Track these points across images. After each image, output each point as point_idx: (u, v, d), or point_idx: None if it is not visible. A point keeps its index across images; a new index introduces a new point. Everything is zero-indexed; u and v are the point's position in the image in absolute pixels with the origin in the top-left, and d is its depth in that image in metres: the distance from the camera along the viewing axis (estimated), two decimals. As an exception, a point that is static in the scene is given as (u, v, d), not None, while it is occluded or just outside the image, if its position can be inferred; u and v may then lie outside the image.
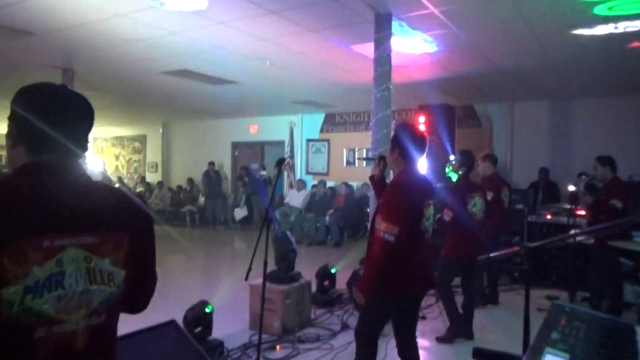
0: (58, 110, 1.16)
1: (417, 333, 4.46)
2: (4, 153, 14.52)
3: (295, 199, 10.78)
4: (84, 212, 1.13)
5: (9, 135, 1.17)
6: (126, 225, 1.21)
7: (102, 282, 1.14)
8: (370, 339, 2.68)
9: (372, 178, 3.09)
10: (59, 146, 1.15)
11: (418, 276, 2.60)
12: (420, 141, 2.67)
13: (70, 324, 1.09)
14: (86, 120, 1.22)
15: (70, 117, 1.18)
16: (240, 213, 12.07)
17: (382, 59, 4.43)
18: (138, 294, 1.32)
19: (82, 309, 1.11)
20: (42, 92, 1.18)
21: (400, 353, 2.78)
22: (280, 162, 3.34)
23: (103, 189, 1.22)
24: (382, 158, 2.94)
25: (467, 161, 4.45)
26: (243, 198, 12.23)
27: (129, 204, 1.25)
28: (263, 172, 11.63)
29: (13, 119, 1.16)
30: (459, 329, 4.23)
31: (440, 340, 4.25)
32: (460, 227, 4.15)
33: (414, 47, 5.49)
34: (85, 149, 1.23)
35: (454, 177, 4.40)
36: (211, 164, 12.46)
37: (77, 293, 1.10)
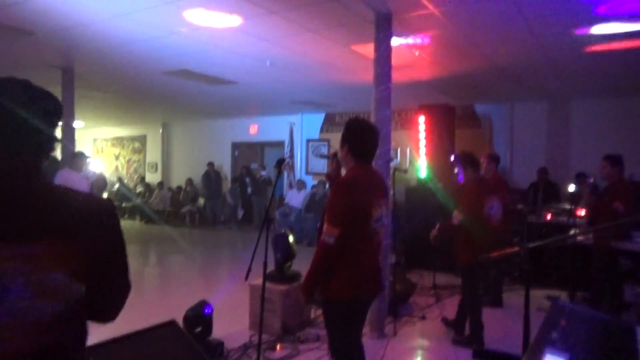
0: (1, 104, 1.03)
1: (417, 333, 4.49)
2: None
3: (295, 199, 10.79)
4: (28, 219, 0.99)
5: None
6: (79, 229, 1.05)
7: (52, 294, 0.99)
8: (345, 351, 2.56)
9: (328, 176, 2.81)
10: (5, 145, 1.03)
11: (367, 279, 2.46)
12: (369, 137, 2.50)
13: (17, 341, 0.96)
14: (40, 116, 1.07)
15: (15, 112, 1.04)
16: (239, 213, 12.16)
17: (382, 59, 4.42)
18: (105, 305, 1.17)
19: (30, 325, 0.97)
20: None
21: None
22: (280, 162, 3.32)
23: (56, 193, 1.07)
24: (335, 155, 2.72)
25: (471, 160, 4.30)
26: (240, 198, 12.26)
27: (86, 206, 1.09)
28: (263, 172, 11.63)
29: None
30: (476, 338, 4.09)
31: (456, 342, 4.19)
32: (474, 230, 3.94)
33: (414, 47, 5.50)
34: (42, 149, 1.10)
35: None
36: (211, 164, 12.46)
37: (23, 308, 0.96)
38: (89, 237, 1.06)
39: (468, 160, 4.24)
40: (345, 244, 2.33)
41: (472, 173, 4.21)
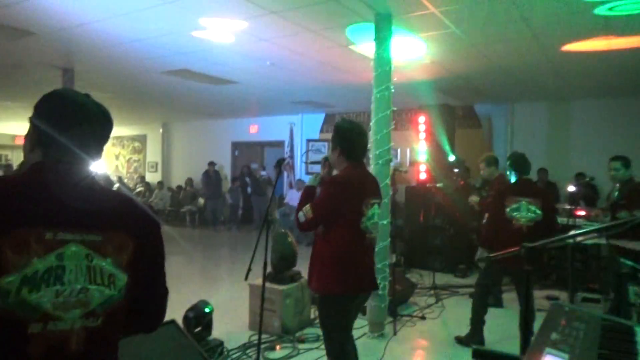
0: (67, 115, 1.20)
1: (417, 333, 4.49)
2: (3, 152, 14.55)
3: (295, 199, 10.78)
4: (88, 210, 1.14)
5: (27, 139, 1.22)
6: (131, 228, 1.20)
7: (102, 282, 1.12)
8: (340, 350, 2.57)
9: (322, 180, 2.85)
10: (67, 150, 1.18)
11: (360, 276, 2.52)
12: (358, 137, 2.58)
13: (66, 323, 1.07)
14: (98, 127, 1.27)
15: (83, 122, 1.22)
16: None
17: (382, 59, 4.42)
18: (145, 307, 1.27)
19: (79, 308, 1.09)
20: (56, 98, 1.23)
21: None
22: (280, 162, 3.34)
23: (109, 192, 1.25)
24: (327, 159, 2.80)
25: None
26: (240, 198, 12.27)
27: (136, 209, 1.25)
28: (263, 173, 11.64)
29: (32, 124, 1.21)
30: (476, 336, 4.11)
31: (458, 341, 4.21)
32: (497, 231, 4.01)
33: (413, 48, 5.50)
34: (96, 154, 1.26)
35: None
36: (211, 164, 12.46)
37: (76, 291, 1.08)
38: (142, 234, 1.22)
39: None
40: (339, 240, 2.45)
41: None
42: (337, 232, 2.47)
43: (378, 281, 4.24)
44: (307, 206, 2.46)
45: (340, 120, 2.67)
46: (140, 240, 1.21)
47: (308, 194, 2.60)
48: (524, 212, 3.92)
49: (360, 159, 2.61)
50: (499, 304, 5.36)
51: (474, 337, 4.08)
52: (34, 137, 1.19)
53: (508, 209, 3.95)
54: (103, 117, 1.29)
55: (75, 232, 1.09)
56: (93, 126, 1.25)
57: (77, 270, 1.08)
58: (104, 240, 1.14)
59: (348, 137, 2.56)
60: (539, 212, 3.89)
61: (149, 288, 1.27)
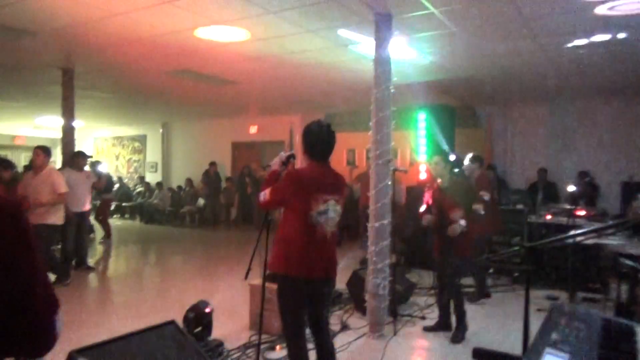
0: None
1: (416, 333, 4.49)
2: (3, 152, 14.52)
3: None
4: None
5: None
6: None
7: None
8: (289, 330, 2.81)
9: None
10: None
11: (305, 264, 2.71)
12: (320, 140, 2.83)
13: None
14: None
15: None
16: (232, 212, 12.18)
17: (382, 59, 4.42)
18: (22, 327, 1.00)
19: None
20: None
21: (313, 338, 2.97)
22: (289, 157, 3.35)
23: None
24: (292, 156, 3.07)
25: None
26: (236, 198, 12.26)
27: None
28: (263, 173, 11.61)
29: None
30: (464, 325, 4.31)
31: (452, 340, 4.25)
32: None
33: (414, 49, 5.50)
34: None
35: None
36: (212, 164, 12.46)
37: None
38: None
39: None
40: (289, 227, 2.74)
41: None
42: (289, 220, 2.76)
43: (378, 281, 4.29)
44: (268, 189, 2.78)
45: (310, 123, 2.91)
46: None
47: (272, 177, 2.88)
48: None
49: (321, 158, 2.85)
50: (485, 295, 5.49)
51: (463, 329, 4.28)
52: None
53: None
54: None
55: None
56: None
57: None
58: None
59: (310, 138, 2.84)
60: None
61: (20, 303, 1.00)
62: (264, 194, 2.77)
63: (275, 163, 2.93)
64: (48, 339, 1.03)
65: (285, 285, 2.80)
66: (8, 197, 1.08)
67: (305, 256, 2.73)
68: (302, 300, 2.82)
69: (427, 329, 4.49)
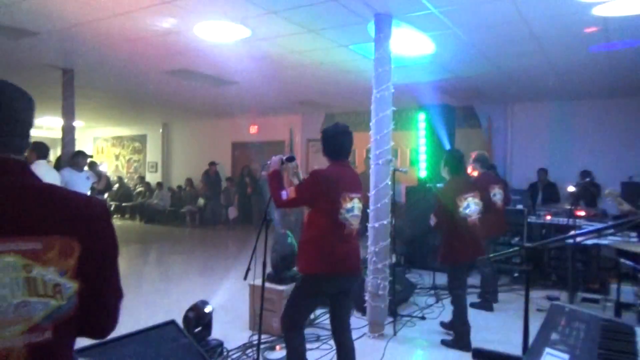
0: (4, 105, 1.07)
1: (416, 333, 4.49)
2: None
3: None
4: (28, 214, 1.01)
5: None
6: (75, 229, 1.06)
7: (46, 294, 1.00)
8: (293, 322, 2.86)
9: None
10: (4, 144, 1.06)
11: (335, 260, 2.77)
12: (337, 141, 2.89)
13: (5, 341, 0.96)
14: (28, 113, 1.12)
15: (11, 113, 1.07)
16: (232, 212, 12.13)
17: (382, 59, 4.42)
18: (97, 313, 1.13)
19: (19, 324, 0.97)
20: None
21: (334, 338, 3.02)
22: (290, 159, 3.37)
23: (49, 189, 1.08)
24: (291, 158, 3.15)
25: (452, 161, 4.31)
26: (236, 198, 12.25)
27: (78, 204, 1.09)
28: (263, 173, 11.61)
29: None
30: (461, 340, 4.07)
31: (443, 343, 4.21)
32: (451, 231, 4.10)
33: (414, 48, 5.50)
34: (27, 145, 1.13)
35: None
36: (212, 164, 12.46)
37: (12, 306, 0.97)
38: (88, 233, 1.07)
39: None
40: (318, 228, 2.79)
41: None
42: (316, 220, 2.81)
43: (378, 281, 4.29)
44: (292, 187, 2.83)
45: (328, 125, 3.00)
46: (87, 241, 1.07)
47: (275, 177, 2.91)
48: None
49: (340, 157, 2.92)
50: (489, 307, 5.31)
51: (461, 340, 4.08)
52: None
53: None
54: (22, 96, 1.10)
55: (11, 240, 0.97)
56: (16, 115, 1.08)
57: (12, 284, 0.97)
58: (45, 248, 1.00)
59: (327, 140, 2.92)
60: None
61: (100, 293, 1.13)
62: (286, 193, 2.79)
63: (274, 162, 2.96)
64: (114, 323, 1.18)
65: (312, 282, 2.83)
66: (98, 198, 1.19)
67: (339, 253, 2.80)
68: (321, 298, 2.94)
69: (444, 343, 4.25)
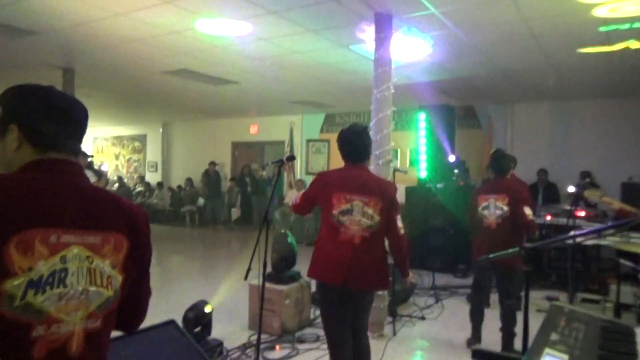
0: (65, 111, 1.19)
1: (416, 333, 4.49)
2: None
3: (295, 199, 10.77)
4: (90, 210, 1.13)
5: (6, 135, 1.14)
6: (125, 227, 1.19)
7: (101, 284, 1.13)
8: (328, 339, 2.78)
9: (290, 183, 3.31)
10: (66, 146, 1.17)
11: (328, 268, 2.66)
12: (349, 143, 2.83)
13: (69, 325, 1.07)
14: (86, 121, 1.25)
15: (74, 118, 1.21)
16: (235, 213, 12.13)
17: (382, 59, 4.42)
18: (132, 307, 1.27)
19: (80, 310, 1.09)
20: (38, 92, 1.17)
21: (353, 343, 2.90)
22: (290, 159, 3.36)
23: (101, 190, 1.22)
24: (292, 158, 3.25)
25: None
26: (238, 198, 12.26)
27: (124, 205, 1.23)
28: (263, 173, 11.62)
29: (17, 119, 1.13)
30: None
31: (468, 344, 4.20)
32: (472, 228, 4.23)
33: (414, 48, 5.49)
34: (80, 148, 1.26)
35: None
36: (212, 164, 12.46)
37: (78, 293, 1.08)
38: (134, 232, 1.21)
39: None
40: (320, 232, 2.77)
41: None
42: (321, 225, 2.78)
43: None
44: (299, 193, 2.96)
45: (343, 129, 2.92)
46: (133, 239, 1.20)
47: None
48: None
49: (352, 160, 2.82)
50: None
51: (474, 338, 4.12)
52: (20, 134, 1.13)
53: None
54: (82, 109, 1.24)
55: (77, 233, 1.09)
56: (78, 121, 1.22)
57: (78, 272, 1.08)
58: (103, 242, 1.13)
59: (339, 142, 2.88)
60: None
61: (138, 288, 1.27)
62: (295, 199, 2.93)
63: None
64: (143, 318, 1.33)
65: (319, 291, 2.78)
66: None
67: (330, 260, 2.64)
68: (334, 306, 2.68)
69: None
